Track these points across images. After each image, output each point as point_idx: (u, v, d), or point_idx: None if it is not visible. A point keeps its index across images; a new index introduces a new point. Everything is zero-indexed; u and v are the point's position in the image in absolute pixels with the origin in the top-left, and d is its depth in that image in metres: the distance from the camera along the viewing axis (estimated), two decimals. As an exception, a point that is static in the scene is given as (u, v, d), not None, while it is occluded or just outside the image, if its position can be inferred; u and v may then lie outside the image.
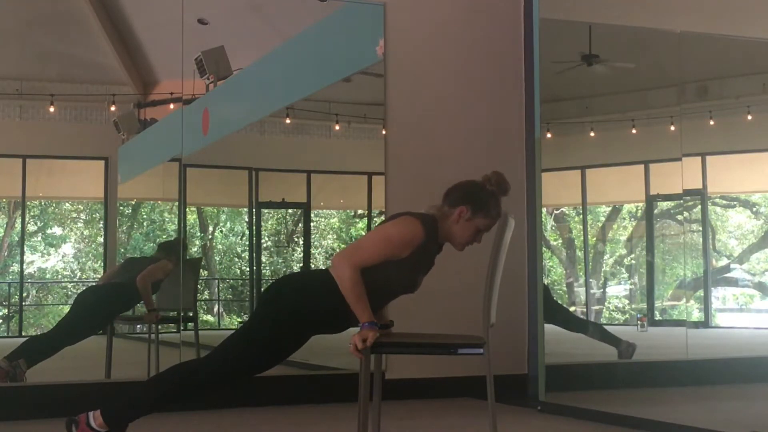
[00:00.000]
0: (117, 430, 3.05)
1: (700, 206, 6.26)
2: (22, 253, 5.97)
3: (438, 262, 5.23)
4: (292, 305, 3.03)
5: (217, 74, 5.59)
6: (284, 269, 6.41)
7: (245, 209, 6.57)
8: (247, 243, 6.36)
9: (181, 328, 5.27)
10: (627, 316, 6.43)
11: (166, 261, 5.41)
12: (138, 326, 6.04)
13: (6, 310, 6.03)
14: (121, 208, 6.10)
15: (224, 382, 3.10)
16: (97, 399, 3.16)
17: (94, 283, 6.05)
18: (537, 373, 4.79)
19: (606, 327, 6.08)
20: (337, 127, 6.13)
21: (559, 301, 6.35)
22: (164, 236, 6.06)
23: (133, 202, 6.19)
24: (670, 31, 5.73)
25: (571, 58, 5.86)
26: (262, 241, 6.32)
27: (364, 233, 6.32)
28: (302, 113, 6.15)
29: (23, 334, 5.83)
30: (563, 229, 6.53)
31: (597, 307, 6.36)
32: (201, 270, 6.25)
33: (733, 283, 6.62)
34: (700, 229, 6.33)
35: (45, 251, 6.19)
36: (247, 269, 6.50)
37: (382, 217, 5.50)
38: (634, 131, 6.23)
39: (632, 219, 6.63)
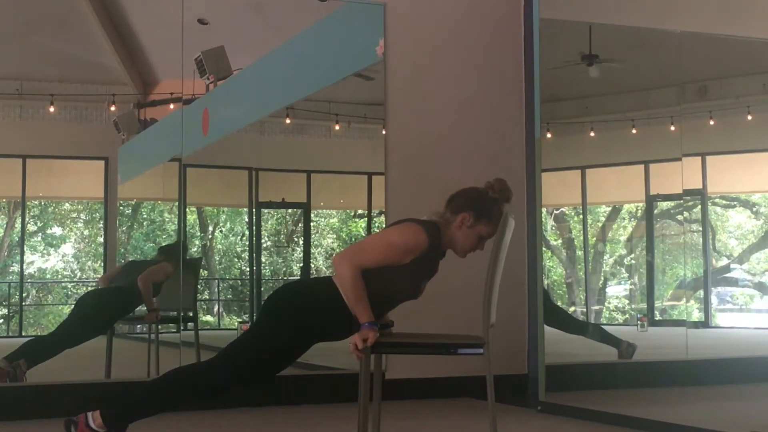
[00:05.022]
0: (116, 431, 3.05)
1: (700, 206, 6.26)
2: (22, 253, 5.97)
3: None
4: (300, 315, 3.04)
5: (217, 74, 5.59)
6: (284, 269, 6.41)
7: (245, 209, 6.56)
8: (247, 243, 6.35)
9: (181, 328, 5.27)
10: (627, 316, 6.43)
11: (166, 264, 5.44)
12: (138, 326, 6.04)
13: (6, 310, 6.02)
14: (121, 208, 6.09)
15: (228, 389, 3.10)
16: (97, 399, 3.15)
17: (95, 286, 6.05)
18: (537, 373, 4.78)
19: (606, 327, 6.07)
20: (337, 127, 6.12)
21: (559, 302, 6.35)
22: (164, 236, 6.05)
23: (133, 202, 6.18)
24: (670, 31, 5.73)
25: (571, 58, 5.86)
26: (262, 241, 6.32)
27: (363, 233, 6.32)
28: (302, 113, 6.15)
29: (23, 334, 5.82)
30: (563, 229, 6.53)
31: (597, 307, 6.36)
32: (201, 270, 6.25)
33: (733, 283, 6.61)
34: (700, 229, 6.33)
35: (45, 251, 6.19)
36: (247, 269, 6.50)
37: (382, 218, 5.50)
38: (634, 131, 6.22)
39: (632, 219, 6.63)
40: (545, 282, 6.25)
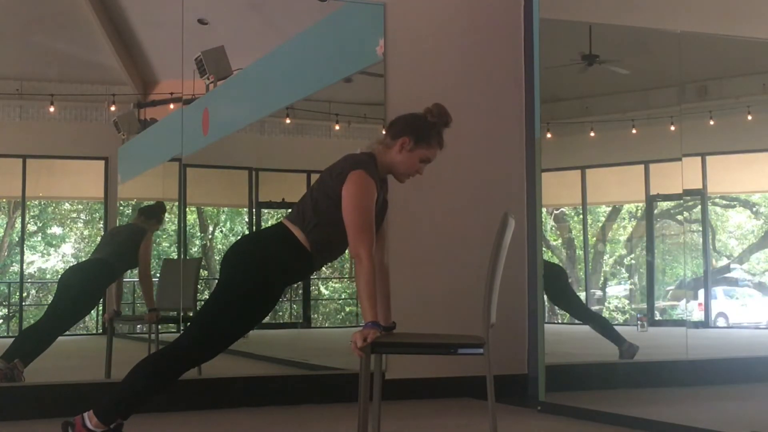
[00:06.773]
0: (113, 428, 3.03)
1: (700, 206, 6.26)
2: (22, 253, 5.97)
3: (438, 262, 5.25)
4: (257, 265, 3.05)
5: (217, 74, 5.60)
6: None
7: (245, 209, 6.57)
8: (247, 243, 6.34)
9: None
10: (627, 316, 6.43)
11: (149, 234, 5.46)
12: (138, 326, 6.04)
13: (6, 310, 6.03)
14: (121, 208, 6.10)
15: (205, 359, 3.10)
16: (97, 399, 3.15)
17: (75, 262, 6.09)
18: (537, 373, 4.78)
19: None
20: (337, 127, 6.13)
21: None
22: (164, 236, 6.06)
23: (133, 202, 6.19)
24: (670, 31, 5.73)
25: (571, 58, 5.86)
26: (262, 241, 6.31)
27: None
28: (302, 113, 6.15)
29: (23, 334, 5.83)
30: (563, 229, 6.53)
31: (597, 308, 6.36)
32: (201, 270, 6.25)
33: (733, 283, 6.62)
34: (700, 229, 6.33)
35: (45, 251, 6.19)
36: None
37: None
38: (634, 131, 6.23)
39: (632, 219, 6.63)
40: (561, 264, 6.27)
